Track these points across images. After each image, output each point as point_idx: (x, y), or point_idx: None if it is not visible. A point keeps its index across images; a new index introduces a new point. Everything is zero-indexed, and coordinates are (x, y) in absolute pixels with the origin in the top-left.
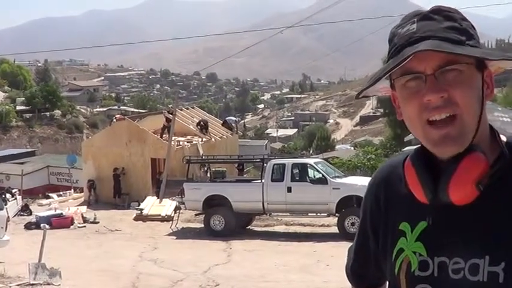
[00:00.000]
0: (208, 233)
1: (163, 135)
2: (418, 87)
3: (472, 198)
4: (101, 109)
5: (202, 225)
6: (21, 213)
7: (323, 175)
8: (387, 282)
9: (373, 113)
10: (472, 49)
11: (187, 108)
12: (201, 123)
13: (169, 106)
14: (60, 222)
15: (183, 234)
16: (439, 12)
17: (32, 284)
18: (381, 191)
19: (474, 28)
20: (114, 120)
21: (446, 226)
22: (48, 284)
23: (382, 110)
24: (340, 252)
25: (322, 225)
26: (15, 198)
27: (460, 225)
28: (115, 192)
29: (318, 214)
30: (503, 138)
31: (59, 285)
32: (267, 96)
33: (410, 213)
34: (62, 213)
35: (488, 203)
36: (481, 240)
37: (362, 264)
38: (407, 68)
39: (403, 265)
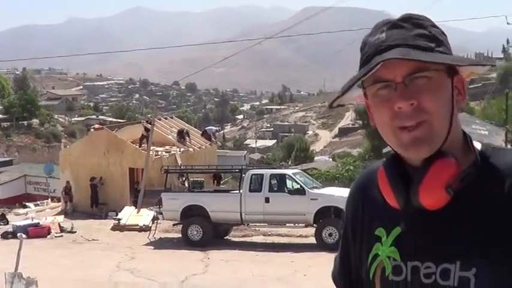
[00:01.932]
0: (185, 243)
1: (142, 145)
2: (388, 95)
3: (443, 203)
4: (79, 118)
5: (180, 235)
6: None
7: (301, 186)
8: None
9: (352, 124)
10: (440, 56)
11: (166, 118)
12: (182, 132)
13: (148, 116)
14: (37, 231)
15: (160, 244)
16: (409, 20)
17: None
18: (359, 198)
19: (444, 34)
20: (92, 129)
21: (419, 231)
22: None
23: (360, 122)
24: (317, 262)
25: (299, 236)
26: None
27: (432, 230)
28: (92, 202)
29: (296, 224)
30: (478, 145)
31: None
32: (246, 107)
33: (385, 219)
34: (39, 223)
35: (459, 208)
36: (453, 245)
37: (346, 271)
38: (378, 77)
39: (377, 270)
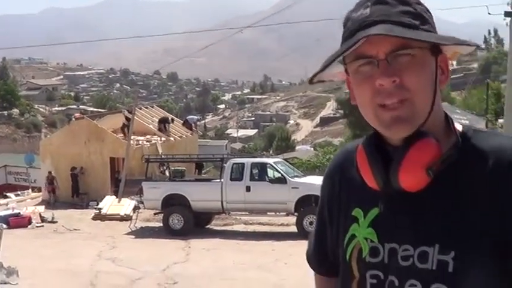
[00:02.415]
0: (167, 232)
1: (126, 134)
2: (370, 71)
3: (422, 185)
4: (60, 108)
5: (161, 224)
6: None
7: (282, 174)
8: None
9: (333, 114)
10: (424, 33)
11: (147, 108)
12: (165, 120)
13: (130, 105)
14: (18, 221)
15: (141, 233)
16: None
17: None
18: (336, 177)
19: (429, 12)
20: (73, 119)
21: (397, 212)
22: (5, 283)
23: (342, 112)
24: (298, 251)
25: (281, 224)
26: None
27: (410, 212)
28: (73, 192)
29: (277, 213)
30: (459, 127)
31: (16, 284)
32: (227, 96)
33: (363, 199)
34: (19, 213)
35: (439, 190)
36: (431, 228)
37: (321, 250)
38: (360, 53)
39: (354, 251)
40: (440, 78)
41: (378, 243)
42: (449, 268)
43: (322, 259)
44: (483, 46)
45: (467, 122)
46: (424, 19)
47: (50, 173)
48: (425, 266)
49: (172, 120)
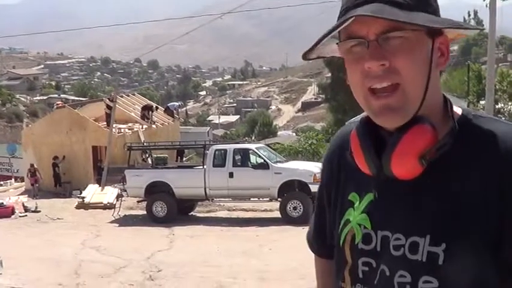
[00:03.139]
0: (150, 219)
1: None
2: (362, 52)
3: (415, 174)
4: (41, 97)
5: (145, 212)
6: None
7: (264, 160)
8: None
9: (315, 99)
10: (416, 15)
11: (128, 96)
12: (148, 107)
13: (112, 94)
14: (1, 211)
15: (125, 221)
16: None
17: None
18: (334, 160)
19: None
20: (55, 107)
21: (391, 200)
22: None
23: (323, 96)
24: (282, 236)
25: (264, 210)
26: None
27: (403, 201)
28: (55, 181)
29: (260, 199)
30: (458, 110)
31: (0, 274)
32: (208, 83)
33: (359, 184)
34: (2, 203)
35: (433, 179)
36: (423, 218)
37: (320, 232)
38: (352, 32)
39: (347, 236)
40: (438, 60)
41: (371, 229)
42: (440, 261)
43: (322, 242)
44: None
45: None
46: None
47: (32, 165)
48: (415, 257)
49: (157, 108)
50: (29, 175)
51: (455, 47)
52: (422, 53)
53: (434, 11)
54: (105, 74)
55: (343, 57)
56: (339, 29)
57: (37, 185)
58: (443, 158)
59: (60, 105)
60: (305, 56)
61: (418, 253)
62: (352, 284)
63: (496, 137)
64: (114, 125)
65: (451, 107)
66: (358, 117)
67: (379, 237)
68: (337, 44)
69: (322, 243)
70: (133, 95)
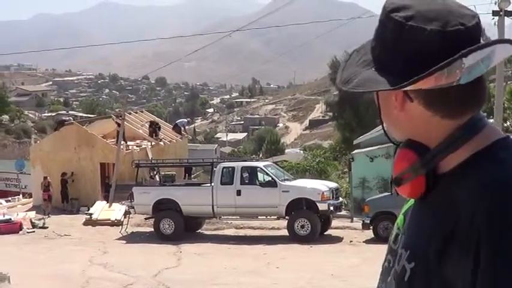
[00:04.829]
0: (158, 236)
1: (122, 141)
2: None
3: (406, 194)
4: (50, 114)
5: (152, 229)
6: None
7: (272, 178)
8: None
9: (322, 116)
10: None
11: (136, 112)
12: (154, 124)
13: (117, 110)
14: (9, 227)
15: (132, 238)
16: None
17: None
18: None
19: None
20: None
21: (412, 210)
22: None
23: (331, 114)
24: (290, 254)
25: (272, 228)
26: None
27: (415, 213)
28: (63, 197)
29: (268, 217)
30: (492, 137)
31: None
32: (216, 100)
33: None
34: (10, 219)
35: (431, 200)
36: (414, 234)
37: None
38: None
39: (392, 234)
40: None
41: (401, 231)
42: (405, 277)
43: None
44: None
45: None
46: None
47: (45, 178)
48: (397, 266)
49: (159, 127)
50: (42, 189)
51: None
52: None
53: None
54: (113, 91)
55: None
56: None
57: (50, 203)
58: (448, 183)
59: (62, 121)
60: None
61: (399, 264)
62: (380, 276)
63: (485, 186)
64: (122, 142)
65: (469, 138)
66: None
67: (402, 240)
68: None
69: None
70: (141, 112)
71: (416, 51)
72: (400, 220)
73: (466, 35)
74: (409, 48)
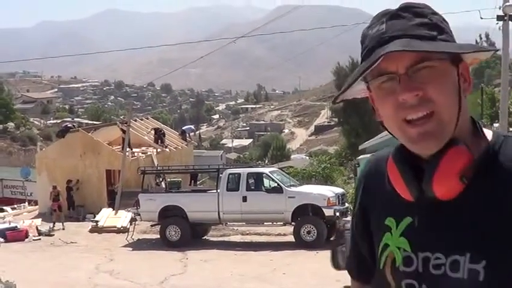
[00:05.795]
0: (164, 243)
1: (127, 148)
2: (392, 87)
3: (456, 193)
4: (55, 121)
5: (158, 236)
6: None
7: (278, 184)
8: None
9: (328, 122)
10: (442, 44)
11: (142, 119)
12: (158, 131)
13: (122, 117)
14: (15, 235)
15: (139, 245)
16: (408, 9)
17: None
18: (368, 186)
19: (446, 21)
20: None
21: (430, 221)
22: None
23: (336, 120)
24: (296, 260)
25: (278, 234)
26: None
27: (443, 220)
28: (69, 205)
29: (274, 223)
30: (489, 132)
31: None
32: (222, 106)
33: (395, 209)
34: (16, 226)
35: (471, 199)
36: (463, 237)
37: (359, 259)
38: (380, 69)
39: (387, 260)
40: (463, 86)
41: (411, 252)
42: (480, 277)
43: (361, 266)
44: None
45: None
46: (440, 29)
47: (54, 187)
48: (457, 275)
49: (164, 134)
50: (51, 199)
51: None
52: (450, 79)
53: (453, 38)
54: (119, 98)
55: (366, 96)
56: (371, 69)
57: (61, 212)
58: (479, 178)
59: (66, 127)
60: (335, 101)
61: (459, 271)
62: None
63: None
64: (127, 149)
65: (482, 129)
66: (387, 149)
67: (420, 259)
68: (367, 82)
69: (362, 268)
70: (147, 118)
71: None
72: (402, 243)
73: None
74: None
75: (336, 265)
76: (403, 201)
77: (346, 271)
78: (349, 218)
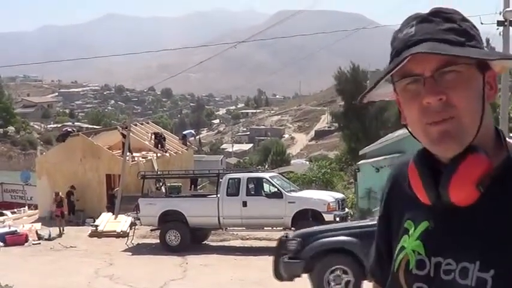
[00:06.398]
0: (164, 248)
1: (128, 153)
2: (417, 89)
3: (472, 200)
4: (55, 125)
5: (158, 241)
6: None
7: (278, 189)
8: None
9: (328, 127)
10: (469, 50)
11: (142, 124)
12: (158, 136)
13: (123, 121)
14: (15, 239)
15: (138, 250)
16: (438, 14)
17: None
18: (393, 189)
19: (476, 28)
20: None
21: (446, 227)
22: None
23: (336, 125)
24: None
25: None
26: None
27: (457, 227)
28: (69, 210)
29: (274, 228)
30: (511, 141)
31: None
32: (222, 111)
33: (415, 212)
34: (16, 231)
35: (487, 207)
36: (475, 244)
37: (380, 261)
38: (407, 71)
39: (402, 262)
40: (488, 93)
41: (425, 256)
42: (488, 286)
43: (383, 270)
44: None
45: None
46: (469, 35)
47: (57, 194)
48: (465, 282)
49: (164, 137)
50: (55, 205)
51: None
52: (475, 86)
53: (481, 46)
54: (119, 102)
55: (392, 99)
56: (397, 69)
57: (63, 218)
58: (496, 186)
59: (66, 131)
60: (361, 100)
61: (468, 278)
62: None
63: None
64: (127, 153)
65: (504, 138)
66: (409, 155)
67: (433, 263)
68: (394, 82)
69: (383, 272)
70: (147, 123)
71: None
72: (418, 246)
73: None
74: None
75: (279, 276)
76: (422, 205)
77: (289, 282)
78: (291, 230)
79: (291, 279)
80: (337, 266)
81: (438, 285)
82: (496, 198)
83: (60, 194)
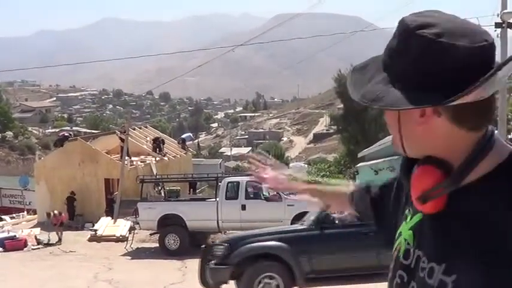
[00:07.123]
0: (163, 252)
1: (126, 157)
2: None
3: (429, 210)
4: (54, 130)
5: (157, 245)
6: None
7: (277, 192)
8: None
9: (327, 130)
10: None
11: (140, 128)
12: (158, 140)
13: (121, 126)
14: (14, 244)
15: (138, 254)
16: None
17: None
18: (403, 174)
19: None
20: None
21: (429, 225)
22: None
23: (335, 127)
24: None
25: None
26: None
27: (436, 226)
28: (70, 215)
29: None
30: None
31: None
32: (220, 115)
33: (413, 203)
34: (15, 236)
35: (462, 212)
36: (444, 247)
37: (368, 193)
38: None
39: (397, 248)
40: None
41: (412, 246)
42: None
43: (363, 199)
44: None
45: None
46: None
47: (60, 214)
48: (430, 281)
49: (163, 141)
50: (53, 217)
51: None
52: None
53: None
54: (117, 107)
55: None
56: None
57: (61, 227)
58: (476, 193)
59: (63, 135)
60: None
61: (433, 279)
62: None
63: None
64: (126, 158)
65: (480, 159)
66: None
67: (415, 256)
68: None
69: (361, 201)
70: (146, 127)
71: (449, 67)
72: (409, 236)
73: (490, 50)
74: (441, 64)
75: (205, 283)
76: None
77: None
78: (219, 235)
79: (217, 286)
80: (266, 274)
81: (415, 279)
82: (472, 205)
83: (62, 213)
